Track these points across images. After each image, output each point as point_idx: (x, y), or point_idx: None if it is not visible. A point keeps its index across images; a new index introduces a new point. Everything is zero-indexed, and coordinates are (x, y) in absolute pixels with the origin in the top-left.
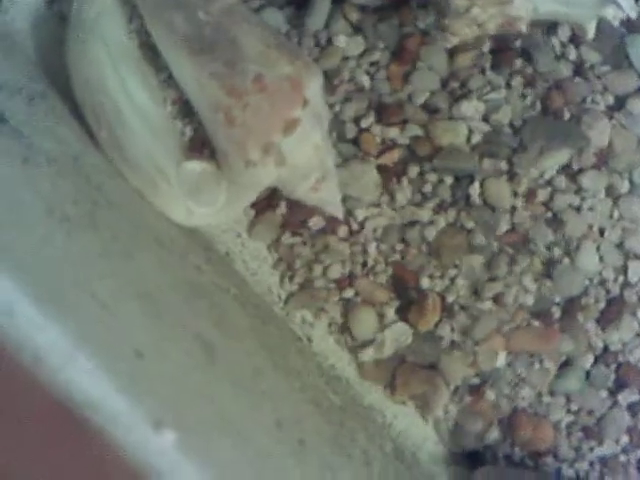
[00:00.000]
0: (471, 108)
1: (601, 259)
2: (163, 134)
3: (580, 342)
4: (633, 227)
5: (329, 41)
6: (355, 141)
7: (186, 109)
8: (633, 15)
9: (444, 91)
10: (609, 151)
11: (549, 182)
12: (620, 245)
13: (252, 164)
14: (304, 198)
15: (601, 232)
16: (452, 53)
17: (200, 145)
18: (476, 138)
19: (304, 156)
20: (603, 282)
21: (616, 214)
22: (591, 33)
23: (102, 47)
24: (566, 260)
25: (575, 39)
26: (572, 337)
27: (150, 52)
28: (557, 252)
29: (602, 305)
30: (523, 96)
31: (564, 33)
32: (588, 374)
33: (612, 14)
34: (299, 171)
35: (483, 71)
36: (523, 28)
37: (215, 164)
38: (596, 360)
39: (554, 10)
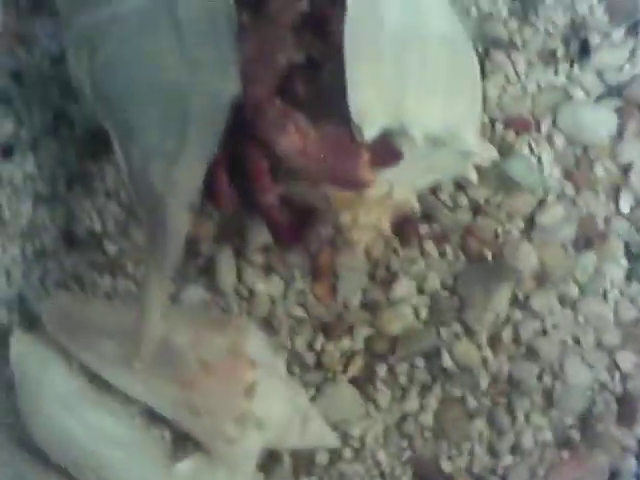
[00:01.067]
0: (404, 288)
1: (589, 366)
2: (144, 449)
3: (613, 450)
4: (602, 323)
5: (250, 292)
6: (317, 366)
7: (156, 415)
8: (494, 155)
9: (375, 283)
10: (543, 268)
11: (507, 320)
12: (600, 345)
13: (235, 440)
14: (298, 444)
15: (576, 341)
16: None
17: (184, 440)
18: (423, 312)
19: (278, 408)
20: (604, 386)
21: (581, 319)
22: (474, 178)
23: (55, 399)
24: (559, 383)
25: (460, 185)
26: (604, 450)
27: (101, 379)
28: (547, 380)
29: (614, 407)
30: (442, 255)
31: (448, 187)
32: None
33: (481, 158)
34: (281, 424)
35: (396, 251)
36: (413, 205)
37: (205, 452)
38: (638, 459)
39: (431, 179)
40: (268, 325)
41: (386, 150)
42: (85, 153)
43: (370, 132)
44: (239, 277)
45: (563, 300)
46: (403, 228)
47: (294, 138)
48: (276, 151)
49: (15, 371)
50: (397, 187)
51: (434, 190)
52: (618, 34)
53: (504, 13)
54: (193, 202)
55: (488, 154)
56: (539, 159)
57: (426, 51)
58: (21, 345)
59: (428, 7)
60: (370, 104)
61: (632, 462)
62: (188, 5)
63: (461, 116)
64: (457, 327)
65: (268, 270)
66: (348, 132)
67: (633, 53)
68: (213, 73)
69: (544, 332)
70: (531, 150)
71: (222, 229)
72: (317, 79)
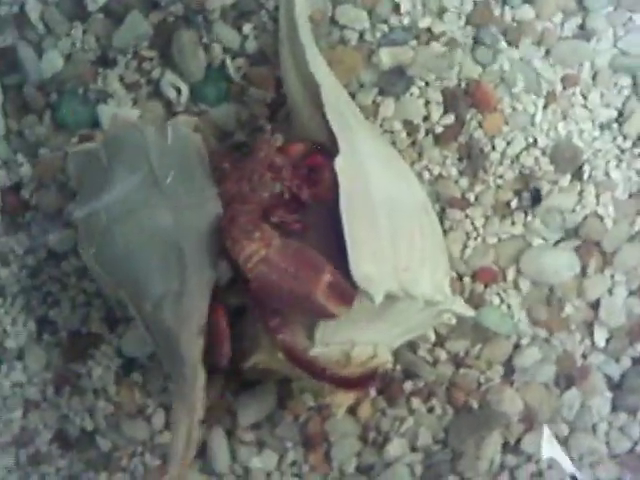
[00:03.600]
0: (396, 448)
1: None
2: None
3: None
4: (596, 458)
5: (245, 469)
6: None
7: None
8: (470, 313)
9: (367, 446)
10: (529, 409)
11: (502, 465)
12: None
13: None
14: None
15: (573, 479)
16: (352, 410)
17: None
18: (418, 469)
19: None
20: None
21: (575, 455)
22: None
23: None
24: None
25: (438, 340)
26: None
27: None
28: None
29: None
30: (429, 410)
31: (425, 345)
32: None
33: (460, 310)
34: None
35: (384, 412)
36: (389, 365)
37: None
38: None
39: (406, 338)
40: None
41: (343, 291)
42: (70, 355)
43: (378, 297)
44: (233, 456)
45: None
46: (388, 388)
47: (258, 245)
48: (239, 258)
49: None
50: (379, 347)
51: (413, 348)
52: (564, 180)
53: (454, 173)
54: (202, 328)
55: (467, 311)
56: (509, 306)
57: (410, 217)
58: None
59: (403, 177)
60: (372, 271)
61: None
62: (158, 150)
63: (443, 277)
64: (453, 479)
65: (260, 445)
66: (312, 248)
67: (581, 194)
68: (191, 202)
69: (540, 474)
70: (500, 298)
71: (211, 412)
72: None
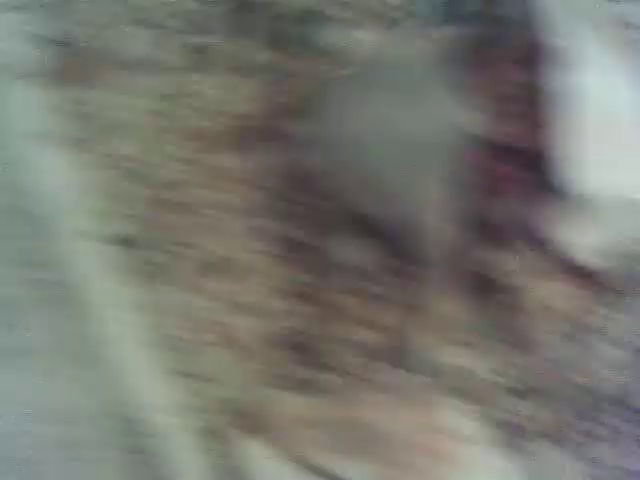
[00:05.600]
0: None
1: None
2: None
3: None
4: None
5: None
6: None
7: None
8: None
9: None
10: None
11: None
12: None
13: None
14: None
15: None
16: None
17: None
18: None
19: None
20: None
21: None
22: None
23: None
24: None
25: None
26: None
27: None
28: None
29: None
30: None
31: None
32: None
33: None
34: None
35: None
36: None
37: None
38: None
39: (619, 241)
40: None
41: None
42: None
43: (587, 196)
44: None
45: None
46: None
47: None
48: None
49: None
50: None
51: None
52: None
53: None
54: (447, 217)
55: None
56: None
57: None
58: None
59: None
60: (582, 172)
61: None
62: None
63: None
64: None
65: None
66: None
67: None
68: (437, 114)
69: None
70: None
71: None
72: None
